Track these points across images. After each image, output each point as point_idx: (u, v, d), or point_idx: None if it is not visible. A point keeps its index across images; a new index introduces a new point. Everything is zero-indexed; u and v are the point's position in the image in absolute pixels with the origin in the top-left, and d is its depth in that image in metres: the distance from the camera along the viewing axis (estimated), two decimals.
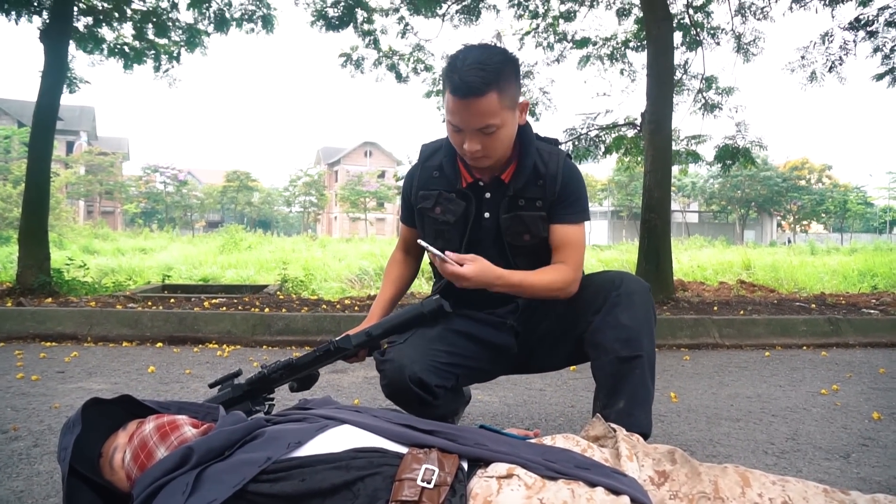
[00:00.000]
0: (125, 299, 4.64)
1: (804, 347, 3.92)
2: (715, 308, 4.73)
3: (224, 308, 4.19)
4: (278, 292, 6.14)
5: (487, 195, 1.66)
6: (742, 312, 4.53)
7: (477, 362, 1.72)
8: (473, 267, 1.50)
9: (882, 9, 6.93)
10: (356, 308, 4.42)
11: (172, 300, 4.69)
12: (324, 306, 4.52)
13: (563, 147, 1.76)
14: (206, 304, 4.39)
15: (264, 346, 3.63)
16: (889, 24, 6.95)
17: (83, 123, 44.51)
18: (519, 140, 1.63)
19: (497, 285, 1.53)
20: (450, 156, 1.69)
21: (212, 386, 1.62)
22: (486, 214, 1.67)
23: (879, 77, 7.13)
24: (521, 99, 1.57)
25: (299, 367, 1.59)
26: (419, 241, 1.53)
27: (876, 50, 7.06)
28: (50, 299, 4.59)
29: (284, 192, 57.64)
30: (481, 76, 1.42)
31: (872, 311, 4.84)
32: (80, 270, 6.33)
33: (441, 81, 1.57)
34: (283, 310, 4.20)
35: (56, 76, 5.48)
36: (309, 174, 55.64)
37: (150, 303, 4.46)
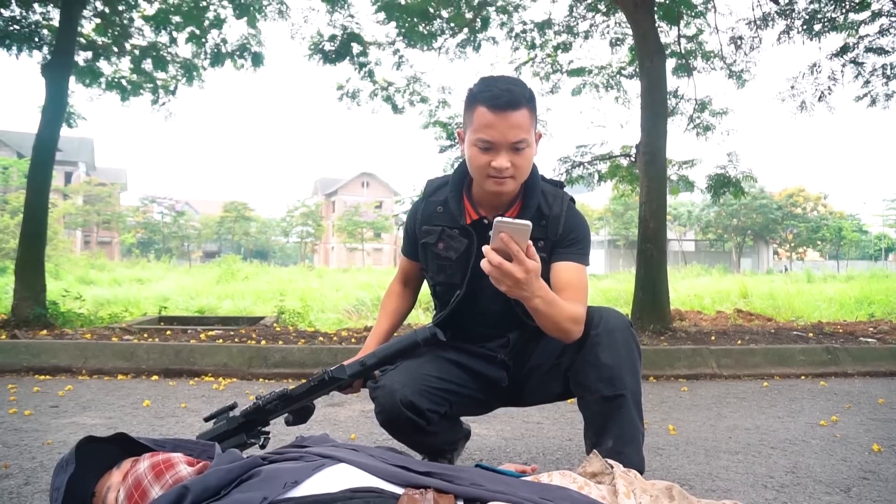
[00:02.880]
0: (121, 331, 4.62)
1: (802, 377, 3.90)
2: (712, 338, 4.72)
3: (220, 340, 4.17)
4: (275, 324, 6.12)
5: (490, 233, 1.67)
6: (740, 342, 4.53)
7: (468, 391, 1.73)
8: (536, 265, 1.35)
9: (861, 37, 7.12)
10: (353, 340, 4.40)
11: (168, 332, 4.67)
12: (320, 338, 4.51)
13: (565, 190, 1.75)
14: (202, 336, 4.37)
15: (260, 379, 3.61)
16: (868, 49, 7.14)
17: (82, 154, 44.83)
18: (526, 183, 1.64)
19: (538, 294, 1.40)
20: (455, 191, 1.69)
21: (207, 419, 1.61)
22: None
23: (859, 98, 7.32)
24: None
25: (294, 397, 1.57)
26: (498, 218, 1.30)
27: (857, 76, 7.26)
28: (45, 331, 4.57)
29: (282, 223, 57.82)
30: (519, 90, 1.49)
31: (870, 340, 4.84)
32: (76, 302, 6.31)
33: (466, 105, 1.55)
34: (280, 342, 4.19)
35: (56, 110, 5.54)
36: (306, 204, 55.87)
37: (145, 335, 4.44)
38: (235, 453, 1.25)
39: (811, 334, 5.04)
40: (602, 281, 18.57)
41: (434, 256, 1.73)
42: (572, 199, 1.72)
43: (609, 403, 1.54)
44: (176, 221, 50.57)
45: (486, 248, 1.32)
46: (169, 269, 27.98)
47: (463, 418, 1.94)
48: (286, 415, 1.62)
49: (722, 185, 6.66)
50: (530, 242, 1.31)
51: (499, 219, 1.29)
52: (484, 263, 1.32)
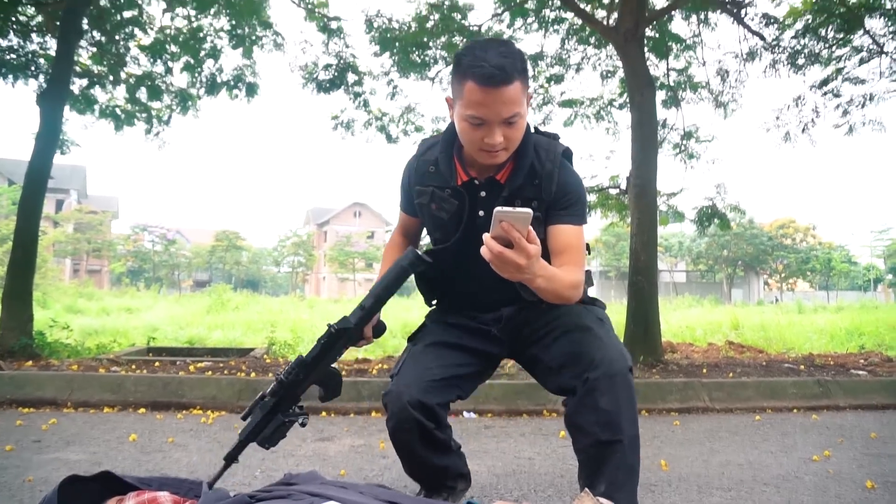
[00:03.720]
0: (108, 362, 4.56)
1: (794, 410, 3.89)
2: (704, 370, 4.72)
3: (210, 372, 4.12)
4: (265, 355, 6.06)
5: (482, 194, 1.64)
6: (731, 375, 4.52)
7: (471, 368, 1.77)
8: (538, 249, 1.33)
9: (839, 70, 7.33)
10: (344, 372, 4.36)
11: (157, 363, 4.62)
12: None
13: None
14: (191, 367, 4.32)
15: None
16: (847, 79, 7.34)
17: (74, 182, 44.74)
18: (518, 150, 1.60)
19: (539, 275, 1.39)
20: (446, 152, 1.67)
21: (244, 417, 1.59)
22: (481, 213, 1.64)
23: (837, 126, 7.51)
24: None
25: (310, 362, 1.57)
26: (498, 209, 1.28)
27: (837, 107, 7.46)
28: (30, 362, 4.50)
29: (273, 252, 57.62)
30: (510, 63, 1.42)
31: (861, 372, 4.84)
32: (63, 332, 6.23)
33: (455, 73, 1.49)
34: (270, 374, 4.14)
35: (50, 138, 5.55)
36: (298, 234, 55.77)
37: (133, 366, 4.38)
38: (222, 492, 1.23)
39: (803, 367, 5.04)
40: None
41: (429, 215, 1.74)
42: (567, 151, 1.68)
43: (605, 448, 1.54)
44: (167, 250, 50.33)
45: (486, 237, 1.30)
46: (158, 298, 27.73)
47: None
48: (319, 390, 1.62)
49: (709, 216, 6.73)
50: (531, 227, 1.30)
51: (498, 209, 1.28)
52: (484, 251, 1.31)
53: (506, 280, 1.49)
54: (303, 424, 1.58)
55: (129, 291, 32.88)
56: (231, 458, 1.56)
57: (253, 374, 4.06)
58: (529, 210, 1.27)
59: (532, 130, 1.68)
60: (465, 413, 3.57)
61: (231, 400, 3.62)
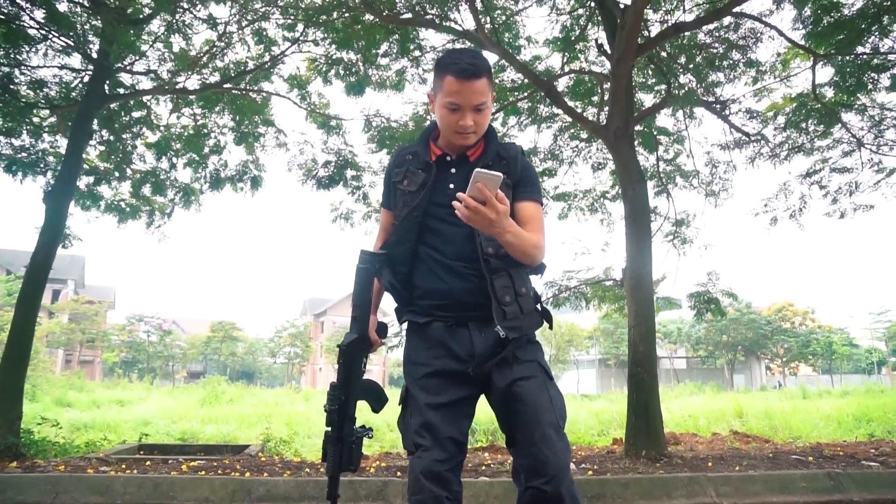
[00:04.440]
0: (97, 462, 4.43)
1: None
2: (710, 464, 4.59)
3: (202, 472, 4.00)
4: (260, 453, 5.89)
5: (453, 170, 1.92)
6: (738, 468, 4.40)
7: (461, 393, 1.84)
8: (506, 208, 1.66)
9: (825, 160, 7.61)
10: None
11: (148, 463, 4.48)
12: (307, 469, 4.33)
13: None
14: (183, 467, 4.19)
15: None
16: (833, 170, 7.61)
17: (72, 272, 44.86)
18: (485, 133, 1.95)
19: (508, 230, 1.70)
20: (423, 140, 2.00)
21: (323, 459, 1.76)
22: (451, 185, 1.88)
23: (829, 214, 7.71)
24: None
25: (343, 383, 1.78)
26: (477, 169, 1.62)
27: (826, 194, 7.69)
28: (14, 463, 4.37)
29: (269, 343, 56.88)
30: (480, 62, 1.84)
31: (873, 464, 4.72)
32: (52, 429, 6.06)
33: (436, 73, 1.89)
34: (265, 473, 4.02)
35: (53, 234, 5.64)
36: (295, 325, 55.26)
37: (123, 466, 4.26)
38: None
39: (811, 458, 4.91)
40: (594, 402, 18.15)
41: (401, 194, 1.95)
42: (522, 150, 2.00)
43: None
44: (162, 341, 49.71)
45: (461, 195, 1.61)
46: (151, 389, 27.15)
47: None
48: (368, 403, 1.85)
49: (704, 303, 6.76)
50: (500, 191, 1.61)
51: (477, 169, 1.61)
52: (459, 207, 1.61)
53: (475, 245, 1.81)
54: (369, 437, 1.79)
55: (121, 383, 32.25)
56: (333, 498, 1.75)
57: (247, 474, 3.94)
58: (500, 174, 1.61)
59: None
60: None
61: (224, 501, 3.51)
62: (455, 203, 1.62)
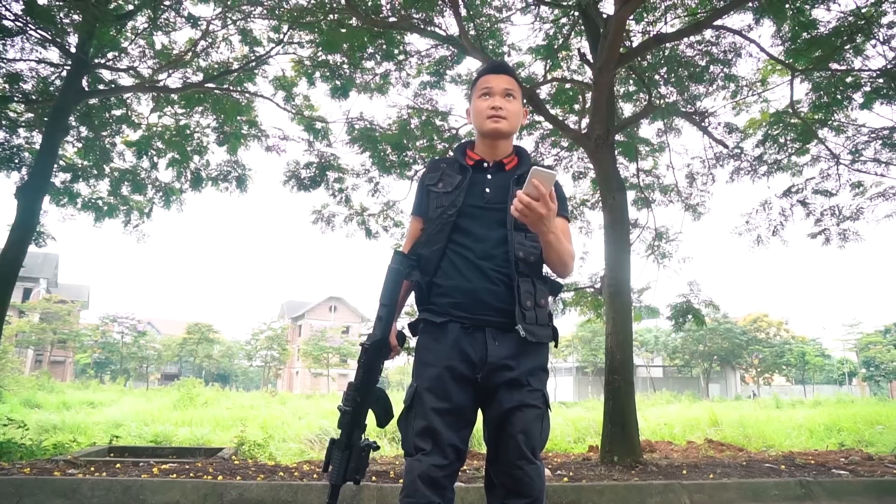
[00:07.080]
0: (65, 464, 4.33)
1: None
2: (684, 471, 4.63)
3: (174, 475, 3.93)
4: (233, 456, 5.81)
5: (489, 176, 2.00)
6: (712, 476, 4.44)
7: (464, 400, 1.85)
8: (556, 207, 1.74)
9: (808, 179, 7.72)
10: (315, 475, 4.19)
11: (118, 465, 4.39)
12: (281, 473, 4.28)
13: None
14: (154, 470, 4.11)
15: None
16: (816, 191, 7.70)
17: (45, 270, 43.99)
18: (518, 149, 2.08)
19: (552, 231, 1.78)
20: (460, 149, 2.11)
21: (325, 469, 1.75)
22: (487, 190, 1.96)
23: (813, 236, 7.78)
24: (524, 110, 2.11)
25: (362, 383, 1.78)
26: (534, 166, 1.69)
27: (808, 214, 7.76)
28: None
29: (246, 346, 56.19)
30: (508, 66, 2.12)
31: (843, 472, 4.80)
32: (18, 430, 5.92)
33: (472, 85, 2.12)
34: (238, 477, 3.96)
35: (25, 231, 5.54)
36: (272, 328, 54.65)
37: (92, 468, 4.16)
38: None
39: (783, 466, 4.98)
40: (571, 409, 18.23)
41: (435, 196, 2.01)
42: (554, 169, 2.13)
43: None
44: (136, 342, 48.88)
45: (519, 192, 1.70)
46: (124, 391, 26.69)
47: None
48: (375, 414, 1.82)
49: (684, 313, 6.84)
50: (552, 190, 1.69)
51: (535, 166, 1.68)
52: (515, 203, 1.69)
53: (507, 249, 1.86)
54: (375, 449, 1.79)
55: (92, 384, 31.65)
56: None
57: (220, 477, 3.88)
58: (555, 171, 1.67)
59: None
60: None
61: None
62: (515, 201, 1.70)
